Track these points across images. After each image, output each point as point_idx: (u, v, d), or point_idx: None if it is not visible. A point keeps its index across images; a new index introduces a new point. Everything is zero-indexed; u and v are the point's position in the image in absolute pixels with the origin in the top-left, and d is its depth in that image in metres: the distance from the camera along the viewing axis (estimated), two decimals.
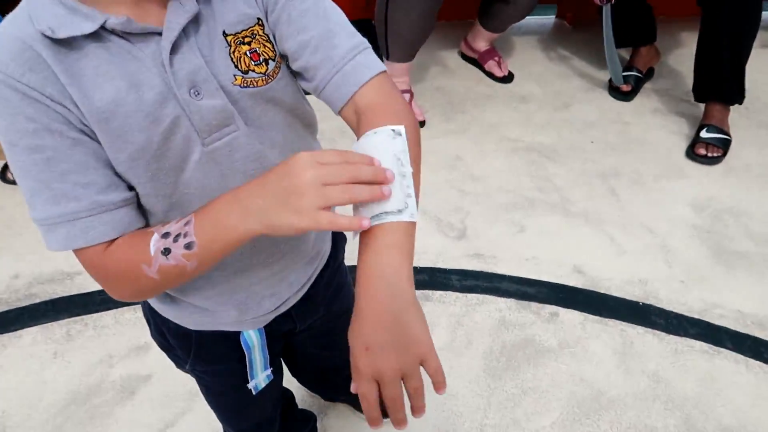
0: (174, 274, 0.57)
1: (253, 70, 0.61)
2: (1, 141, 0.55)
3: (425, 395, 0.53)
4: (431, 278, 1.58)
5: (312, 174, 0.50)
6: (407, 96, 2.09)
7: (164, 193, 0.62)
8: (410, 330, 0.51)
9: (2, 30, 0.54)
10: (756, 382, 1.35)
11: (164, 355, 0.87)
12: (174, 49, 0.56)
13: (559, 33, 2.67)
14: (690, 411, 1.29)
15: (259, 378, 0.84)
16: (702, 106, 2.05)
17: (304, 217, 0.50)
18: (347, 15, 0.65)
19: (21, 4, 0.55)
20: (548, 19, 2.76)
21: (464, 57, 2.44)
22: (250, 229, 0.53)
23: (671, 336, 1.44)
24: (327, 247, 0.86)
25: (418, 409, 0.53)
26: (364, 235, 0.54)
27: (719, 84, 1.96)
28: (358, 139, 0.58)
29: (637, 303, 1.52)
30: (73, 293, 1.53)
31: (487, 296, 1.54)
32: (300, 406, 1.20)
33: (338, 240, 0.90)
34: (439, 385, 0.52)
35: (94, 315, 1.48)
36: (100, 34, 0.54)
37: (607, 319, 1.48)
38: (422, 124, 2.09)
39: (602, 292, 1.55)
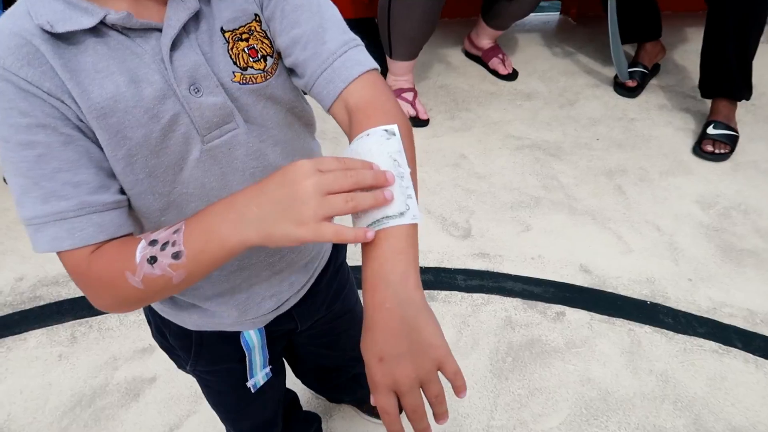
0: (159, 285, 0.54)
1: (252, 67, 0.60)
2: None
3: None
4: (436, 278, 1.57)
5: (314, 182, 0.49)
6: (411, 94, 2.07)
7: (161, 191, 0.61)
8: (423, 335, 0.49)
9: (1, 25, 0.53)
10: (766, 381, 1.33)
11: (168, 357, 0.87)
12: (174, 45, 0.56)
13: (564, 29, 2.65)
14: (699, 411, 1.27)
15: (258, 376, 0.84)
16: (708, 102, 2.03)
17: (305, 228, 0.48)
18: (349, 13, 0.64)
19: None
20: (552, 16, 2.74)
21: (468, 55, 2.42)
22: (245, 239, 0.51)
23: (680, 335, 1.43)
24: (328, 247, 0.85)
25: (441, 416, 0.51)
26: (367, 242, 0.53)
27: (726, 80, 1.93)
28: (350, 143, 0.57)
29: (644, 302, 1.50)
30: (77, 295, 1.52)
31: (492, 296, 1.53)
32: (305, 408, 1.19)
33: None
34: (460, 388, 0.51)
35: (99, 317, 1.48)
36: (99, 29, 0.54)
37: (614, 319, 1.47)
38: (426, 122, 2.08)
39: (609, 291, 1.53)
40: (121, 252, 0.55)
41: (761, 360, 1.37)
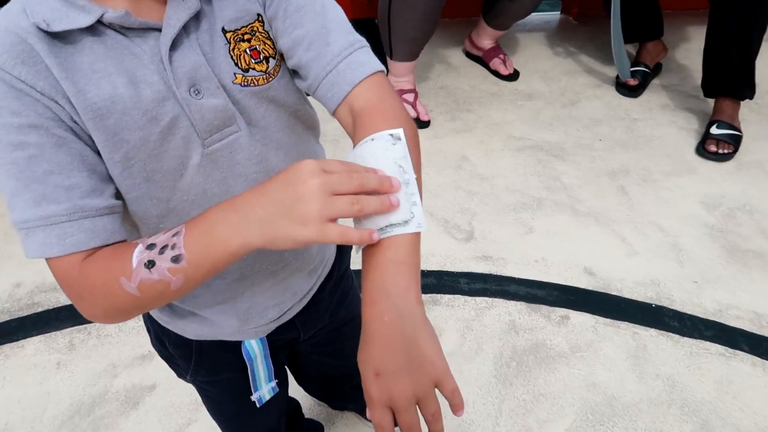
0: (156, 291, 0.51)
1: (254, 68, 0.59)
2: None
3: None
4: (439, 282, 1.55)
5: (318, 182, 0.47)
6: (411, 95, 2.06)
7: (160, 197, 0.59)
8: (422, 351, 0.48)
9: None
10: None
11: (168, 365, 0.85)
12: (173, 45, 0.54)
13: (565, 29, 2.63)
14: (707, 416, 1.26)
15: (264, 390, 0.82)
16: (711, 101, 2.01)
17: (309, 228, 0.47)
18: (349, 14, 0.62)
19: None
20: (553, 16, 2.72)
21: (469, 55, 2.41)
22: (248, 242, 0.49)
23: (685, 338, 1.41)
24: (332, 253, 0.83)
25: None
26: (368, 250, 0.51)
27: (729, 79, 1.92)
28: (354, 148, 0.55)
29: (649, 305, 1.49)
30: None
31: (496, 299, 1.51)
32: (307, 416, 1.18)
33: (344, 245, 0.87)
34: (457, 407, 0.49)
35: (98, 324, 1.46)
36: (96, 29, 0.52)
37: (619, 322, 1.45)
38: (427, 123, 2.06)
39: (614, 293, 1.52)
40: (116, 257, 0.53)
41: None
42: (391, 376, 0.48)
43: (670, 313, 1.47)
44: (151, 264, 0.50)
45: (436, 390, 0.49)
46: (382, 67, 0.60)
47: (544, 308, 1.49)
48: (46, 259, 0.54)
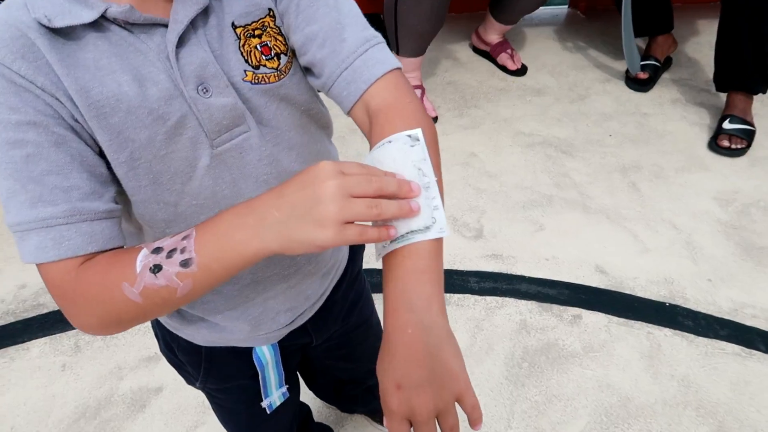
0: (160, 298, 0.48)
1: (265, 65, 0.56)
2: None
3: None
4: (449, 281, 1.52)
5: (336, 183, 0.45)
6: (418, 92, 2.03)
7: (167, 201, 0.57)
8: (446, 365, 0.46)
9: None
10: None
11: (177, 372, 0.83)
12: (180, 42, 0.52)
13: (573, 23, 2.60)
14: (723, 418, 1.23)
15: (274, 396, 0.80)
16: (723, 95, 1.98)
17: (327, 230, 0.44)
18: None
19: None
20: (561, 9, 2.68)
21: (476, 50, 2.38)
22: (264, 245, 0.47)
23: (700, 338, 1.38)
24: (344, 255, 0.81)
25: None
26: (389, 258, 0.49)
27: (741, 72, 1.88)
28: (371, 151, 0.52)
29: (663, 303, 1.46)
30: None
31: (506, 299, 1.48)
32: (316, 419, 1.16)
33: (356, 247, 0.85)
34: (476, 421, 0.48)
35: None
36: (100, 24, 0.50)
37: (632, 321, 1.42)
38: (434, 120, 2.03)
39: (626, 292, 1.49)
40: (117, 262, 0.50)
41: None
42: (413, 389, 0.46)
43: (684, 312, 1.44)
44: (157, 268, 0.48)
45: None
46: (400, 64, 0.57)
47: (556, 307, 1.46)
48: (39, 265, 0.50)
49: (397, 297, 0.47)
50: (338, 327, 0.83)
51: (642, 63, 2.14)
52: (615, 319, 1.43)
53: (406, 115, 0.54)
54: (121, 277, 0.48)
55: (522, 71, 2.26)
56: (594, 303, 1.47)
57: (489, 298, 1.49)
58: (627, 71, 2.18)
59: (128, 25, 0.51)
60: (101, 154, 0.53)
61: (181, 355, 0.77)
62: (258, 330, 0.72)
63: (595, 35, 2.46)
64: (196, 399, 1.28)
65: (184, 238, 0.48)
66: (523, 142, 1.96)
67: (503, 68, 2.27)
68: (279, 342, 0.76)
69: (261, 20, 0.56)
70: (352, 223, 0.46)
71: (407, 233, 0.48)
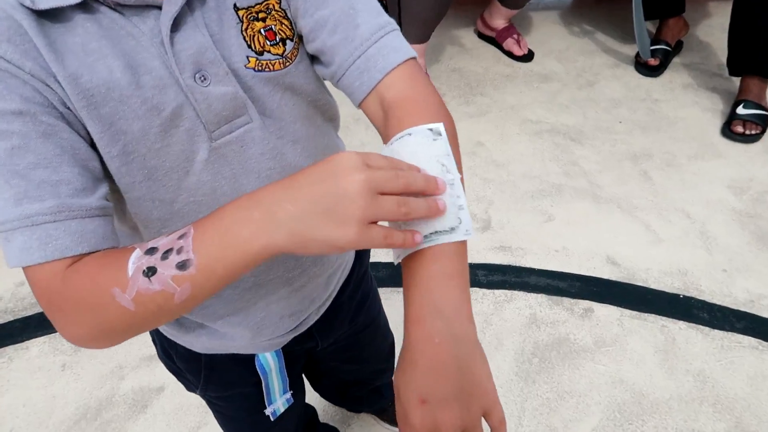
0: (155, 305, 0.43)
1: (269, 51, 0.52)
2: None
3: None
4: None
5: (364, 177, 0.40)
6: None
7: (163, 198, 0.52)
8: (475, 378, 0.42)
9: None
10: None
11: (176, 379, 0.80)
12: (176, 25, 0.47)
13: (580, 7, 2.53)
14: (741, 413, 1.20)
15: (278, 403, 0.76)
16: (737, 80, 1.93)
17: (350, 230, 0.40)
18: None
19: None
20: None
21: (481, 36, 2.32)
22: (272, 243, 0.41)
23: (716, 331, 1.34)
24: (351, 256, 0.77)
25: None
26: (411, 261, 0.45)
27: (756, 56, 1.83)
28: (389, 143, 0.48)
29: (677, 295, 1.42)
30: None
31: (515, 292, 1.45)
32: (321, 418, 1.13)
33: None
34: None
35: None
36: (89, 5, 0.45)
37: (645, 314, 1.39)
38: None
39: (639, 284, 1.45)
40: (108, 264, 0.45)
41: None
42: (439, 404, 0.42)
43: (699, 304, 1.40)
44: (151, 271, 0.42)
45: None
46: (415, 53, 0.53)
47: (567, 300, 1.43)
48: (24, 268, 0.45)
49: (423, 304, 0.43)
50: (345, 329, 0.80)
51: (652, 48, 2.08)
52: (627, 312, 1.39)
53: (425, 108, 0.50)
54: (111, 282, 0.43)
55: (529, 57, 2.20)
56: (606, 295, 1.43)
57: (498, 292, 1.45)
58: (637, 55, 2.13)
59: (119, 7, 0.46)
60: (94, 147, 0.48)
61: (180, 362, 0.74)
62: (260, 336, 0.68)
63: (602, 19, 2.40)
64: (199, 399, 1.23)
65: (180, 237, 0.43)
66: (531, 129, 1.91)
67: (509, 54, 2.21)
68: (282, 347, 0.72)
69: (265, 2, 0.51)
70: (375, 223, 0.41)
71: (431, 234, 0.44)
